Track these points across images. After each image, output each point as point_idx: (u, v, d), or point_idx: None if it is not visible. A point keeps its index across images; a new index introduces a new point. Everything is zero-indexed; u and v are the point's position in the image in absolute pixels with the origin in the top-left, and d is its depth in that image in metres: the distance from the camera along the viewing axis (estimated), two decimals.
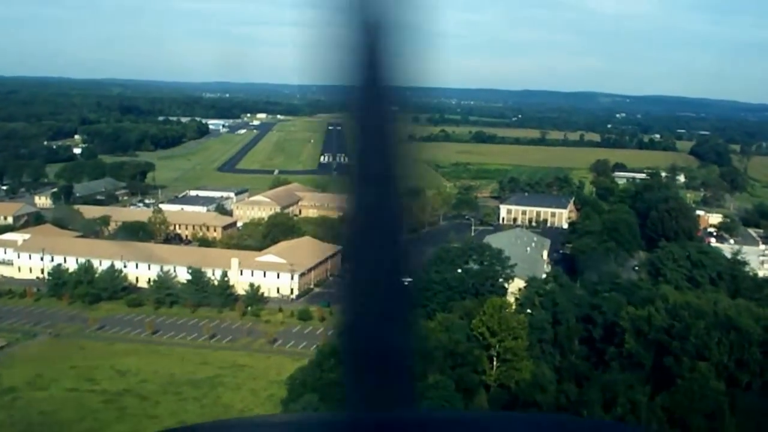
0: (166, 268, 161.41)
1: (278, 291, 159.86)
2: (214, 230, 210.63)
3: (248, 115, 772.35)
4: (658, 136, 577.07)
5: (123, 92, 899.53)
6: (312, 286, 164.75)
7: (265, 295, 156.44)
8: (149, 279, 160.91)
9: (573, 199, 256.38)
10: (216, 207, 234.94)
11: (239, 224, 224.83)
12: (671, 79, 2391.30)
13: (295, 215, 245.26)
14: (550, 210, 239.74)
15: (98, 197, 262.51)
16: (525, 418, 3.53)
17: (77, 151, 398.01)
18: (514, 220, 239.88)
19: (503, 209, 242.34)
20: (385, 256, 3.09)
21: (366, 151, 3.18)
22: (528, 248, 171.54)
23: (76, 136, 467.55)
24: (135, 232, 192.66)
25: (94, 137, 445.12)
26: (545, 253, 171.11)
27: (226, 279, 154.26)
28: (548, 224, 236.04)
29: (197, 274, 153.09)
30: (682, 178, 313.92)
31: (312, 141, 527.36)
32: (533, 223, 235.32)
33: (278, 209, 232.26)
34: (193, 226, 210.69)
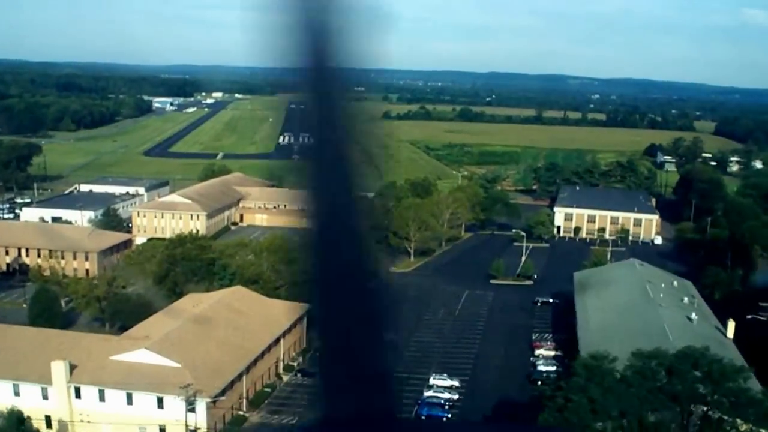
0: None
1: None
2: (85, 259, 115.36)
3: (203, 93, 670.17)
4: (650, 115, 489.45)
5: (73, 73, 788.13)
6: (243, 412, 70.57)
7: None
8: None
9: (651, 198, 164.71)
10: (104, 212, 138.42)
11: (139, 242, 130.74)
12: (638, 62, 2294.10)
13: (234, 224, 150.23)
14: (632, 216, 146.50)
15: None
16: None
17: None
18: (576, 230, 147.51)
19: (559, 214, 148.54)
20: (346, 249, 2.86)
21: (319, 133, 3.02)
22: (689, 314, 78.34)
23: None
24: None
25: (1, 114, 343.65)
26: (730, 331, 77.53)
27: (25, 425, 59.33)
28: (630, 238, 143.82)
29: None
30: (758, 164, 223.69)
31: (270, 120, 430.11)
32: (608, 237, 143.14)
33: (203, 216, 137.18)
34: (50, 252, 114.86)
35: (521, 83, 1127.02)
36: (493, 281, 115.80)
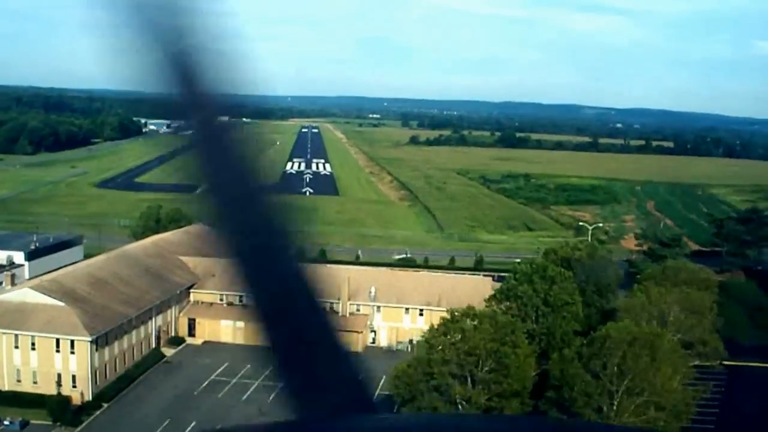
0: None
1: None
2: None
3: None
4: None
5: (70, 95, 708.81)
6: None
7: None
8: None
9: None
10: None
11: None
12: (651, 93, 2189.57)
13: (175, 342, 66.81)
14: None
15: None
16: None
17: None
18: None
19: None
20: (278, 263, 2.53)
21: (212, 159, 2.56)
22: None
23: None
24: None
25: None
26: None
27: None
28: None
29: None
30: None
31: (278, 143, 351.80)
32: None
33: (85, 344, 54.97)
34: None
35: (537, 112, 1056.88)
36: None
